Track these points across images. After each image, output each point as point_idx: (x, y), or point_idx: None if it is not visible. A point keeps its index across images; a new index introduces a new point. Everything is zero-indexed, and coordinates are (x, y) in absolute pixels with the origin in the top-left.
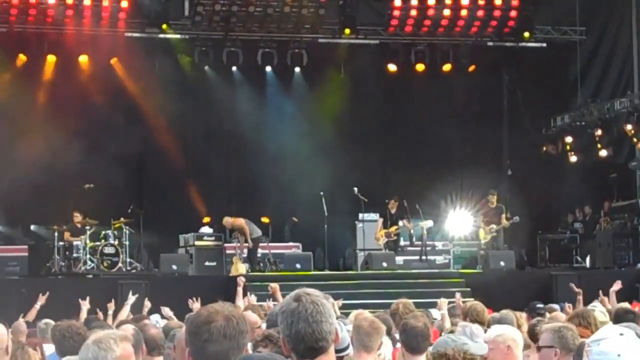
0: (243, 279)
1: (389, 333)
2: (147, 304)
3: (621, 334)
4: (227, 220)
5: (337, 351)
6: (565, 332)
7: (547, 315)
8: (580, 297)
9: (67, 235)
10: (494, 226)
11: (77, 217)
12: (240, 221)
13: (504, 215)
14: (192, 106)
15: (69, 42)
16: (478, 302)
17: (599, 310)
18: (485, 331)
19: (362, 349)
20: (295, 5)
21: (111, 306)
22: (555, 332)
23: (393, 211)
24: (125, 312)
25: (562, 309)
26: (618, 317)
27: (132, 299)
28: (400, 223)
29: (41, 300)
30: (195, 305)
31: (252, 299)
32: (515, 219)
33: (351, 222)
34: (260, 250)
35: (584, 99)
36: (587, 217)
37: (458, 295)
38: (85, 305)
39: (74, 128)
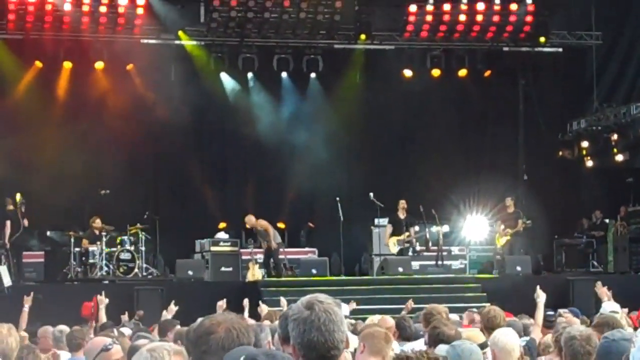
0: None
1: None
2: (173, 308)
3: None
4: (250, 219)
5: None
6: None
7: (563, 320)
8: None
9: (85, 242)
10: (509, 230)
11: (97, 224)
12: (265, 223)
13: (521, 221)
14: (207, 112)
15: (84, 49)
16: (494, 307)
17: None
18: None
19: (371, 355)
20: (311, 11)
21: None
22: None
23: (402, 216)
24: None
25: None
26: None
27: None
28: (409, 231)
29: (27, 302)
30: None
31: (263, 307)
32: (527, 223)
33: (367, 228)
34: None
35: (600, 103)
36: (598, 222)
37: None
38: (102, 302)
39: (89, 134)
